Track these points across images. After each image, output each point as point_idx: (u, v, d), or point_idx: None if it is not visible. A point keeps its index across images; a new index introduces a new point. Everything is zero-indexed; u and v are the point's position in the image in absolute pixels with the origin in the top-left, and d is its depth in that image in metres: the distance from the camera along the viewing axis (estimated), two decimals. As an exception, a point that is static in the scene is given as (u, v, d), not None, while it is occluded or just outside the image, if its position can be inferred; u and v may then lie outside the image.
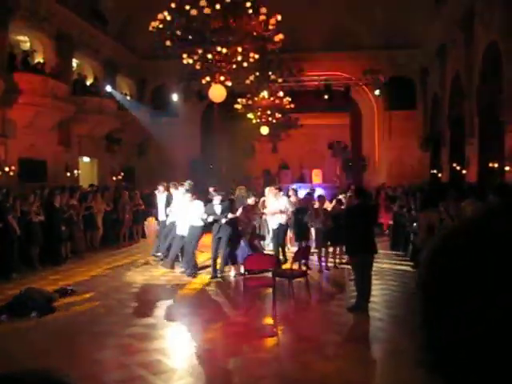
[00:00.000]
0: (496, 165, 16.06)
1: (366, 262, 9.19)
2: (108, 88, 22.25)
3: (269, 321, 8.73)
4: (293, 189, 15.42)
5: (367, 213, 9.31)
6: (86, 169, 22.64)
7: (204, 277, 12.29)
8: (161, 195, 15.04)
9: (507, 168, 15.10)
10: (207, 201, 13.23)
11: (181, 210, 12.80)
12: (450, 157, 21.42)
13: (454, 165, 20.03)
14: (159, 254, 14.42)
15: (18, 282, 11.55)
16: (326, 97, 24.98)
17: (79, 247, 15.72)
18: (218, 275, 12.12)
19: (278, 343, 7.73)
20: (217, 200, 12.31)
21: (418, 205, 13.76)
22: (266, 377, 6.20)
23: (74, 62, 21.71)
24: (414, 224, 13.09)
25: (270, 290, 9.39)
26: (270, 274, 9.52)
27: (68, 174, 20.04)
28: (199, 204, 12.50)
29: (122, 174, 24.68)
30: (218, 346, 7.52)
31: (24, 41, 18.91)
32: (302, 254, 10.81)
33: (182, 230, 12.72)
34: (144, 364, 6.57)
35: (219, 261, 12.35)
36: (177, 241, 13.08)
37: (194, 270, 12.47)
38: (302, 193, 15.88)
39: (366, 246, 9.09)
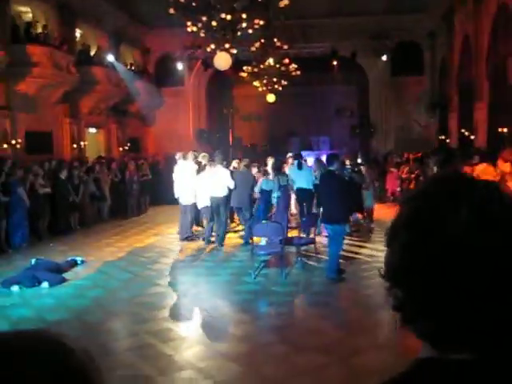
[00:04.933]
0: (505, 129, 15.87)
1: (334, 232, 8.69)
2: (110, 58, 21.93)
3: (278, 288, 8.76)
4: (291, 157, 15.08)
5: (337, 181, 8.66)
6: (92, 140, 22.57)
7: (213, 245, 12.32)
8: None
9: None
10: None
11: (198, 181, 12.53)
12: (458, 122, 21.19)
13: (463, 130, 19.83)
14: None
15: (28, 252, 11.65)
16: (334, 63, 24.71)
17: (87, 218, 15.79)
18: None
19: (287, 310, 7.77)
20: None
21: (433, 169, 13.52)
22: (275, 343, 6.24)
23: (78, 33, 21.46)
24: None
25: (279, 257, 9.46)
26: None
27: (74, 146, 20.00)
28: (223, 170, 12.33)
29: (129, 144, 24.61)
30: (227, 313, 7.56)
31: (26, 11, 18.67)
32: (310, 222, 10.81)
33: (202, 201, 12.54)
34: (153, 332, 6.64)
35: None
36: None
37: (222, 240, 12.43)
38: (310, 160, 15.69)
39: (330, 216, 8.55)
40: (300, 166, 12.96)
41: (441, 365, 0.83)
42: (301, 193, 12.79)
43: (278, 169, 12.27)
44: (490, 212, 0.81)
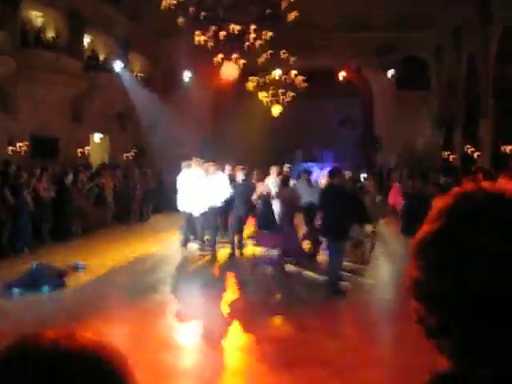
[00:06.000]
0: (509, 148, 15.91)
1: (335, 246, 8.74)
2: (118, 65, 22.01)
3: (277, 299, 8.78)
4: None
5: (339, 196, 8.64)
6: (97, 146, 22.65)
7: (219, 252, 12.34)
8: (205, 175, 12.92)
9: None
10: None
11: (196, 189, 12.54)
12: (463, 139, 21.22)
13: (467, 147, 19.85)
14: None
15: (29, 257, 11.67)
16: (340, 75, 24.90)
17: (90, 224, 15.82)
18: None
19: (285, 322, 7.78)
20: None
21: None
22: (274, 355, 6.25)
23: (87, 38, 21.62)
24: None
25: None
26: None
27: (79, 151, 20.07)
28: (223, 177, 12.38)
29: (134, 151, 24.69)
30: (225, 323, 7.56)
31: (36, 16, 18.84)
32: (313, 233, 10.81)
33: (199, 209, 12.61)
34: (153, 338, 6.65)
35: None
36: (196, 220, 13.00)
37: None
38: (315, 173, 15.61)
39: (333, 230, 8.57)
40: (310, 183, 12.82)
41: (465, 381, 0.83)
42: (310, 208, 12.43)
43: (286, 183, 12.20)
44: None
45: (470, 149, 19.37)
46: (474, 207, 0.86)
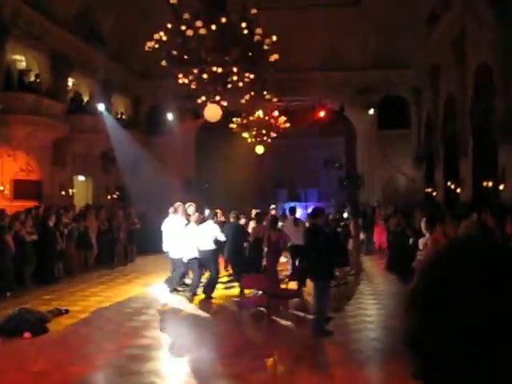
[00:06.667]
0: (490, 183, 16.09)
1: (320, 286, 8.56)
2: (101, 107, 22.07)
3: (264, 340, 8.65)
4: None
5: (321, 237, 8.60)
6: (80, 188, 22.55)
7: (200, 297, 12.19)
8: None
9: (501, 187, 15.13)
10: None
11: (185, 234, 12.41)
12: (444, 175, 21.47)
13: (449, 183, 20.06)
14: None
15: (12, 301, 11.45)
16: (321, 114, 25.16)
17: (73, 267, 15.62)
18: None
19: (273, 364, 7.66)
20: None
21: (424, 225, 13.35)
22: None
23: (70, 81, 21.73)
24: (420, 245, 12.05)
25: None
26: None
27: (63, 193, 19.95)
28: (212, 225, 12.36)
29: (117, 192, 24.58)
30: (213, 367, 7.43)
31: (20, 60, 18.92)
32: (298, 274, 10.78)
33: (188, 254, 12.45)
34: (138, 386, 6.50)
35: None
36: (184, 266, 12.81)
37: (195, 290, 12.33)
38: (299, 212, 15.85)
39: (315, 271, 8.49)
40: (296, 222, 12.81)
41: None
42: (296, 250, 12.03)
43: (274, 226, 12.18)
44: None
45: (452, 185, 19.57)
46: (466, 258, 0.85)
